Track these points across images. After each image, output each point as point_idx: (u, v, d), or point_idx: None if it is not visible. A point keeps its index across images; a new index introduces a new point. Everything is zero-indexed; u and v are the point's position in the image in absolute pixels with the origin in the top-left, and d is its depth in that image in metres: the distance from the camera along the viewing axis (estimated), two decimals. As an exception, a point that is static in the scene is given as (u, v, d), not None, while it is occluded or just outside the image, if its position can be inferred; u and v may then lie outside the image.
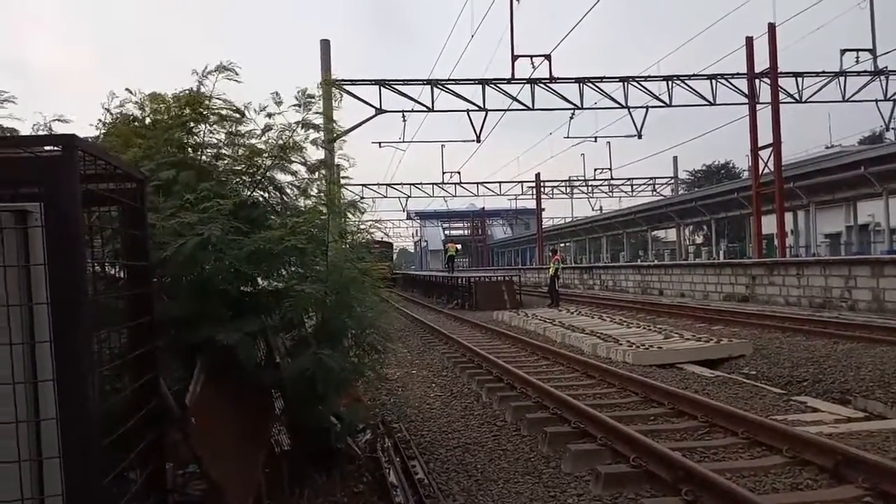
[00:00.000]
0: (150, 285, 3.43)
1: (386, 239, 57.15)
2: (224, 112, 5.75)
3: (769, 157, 26.35)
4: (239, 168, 5.93)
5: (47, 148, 2.37)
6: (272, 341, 5.51)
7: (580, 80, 27.12)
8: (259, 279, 5.49)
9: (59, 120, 5.03)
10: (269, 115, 5.85)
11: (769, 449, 6.18)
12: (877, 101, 28.27)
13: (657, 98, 27.56)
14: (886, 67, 27.34)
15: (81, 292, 2.33)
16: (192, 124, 5.72)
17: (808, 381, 9.77)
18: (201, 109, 5.65)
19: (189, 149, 5.74)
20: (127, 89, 5.93)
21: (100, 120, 5.98)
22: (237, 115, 5.75)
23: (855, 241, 36.90)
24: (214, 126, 5.78)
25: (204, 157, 5.78)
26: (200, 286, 4.79)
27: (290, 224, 5.18)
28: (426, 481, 5.74)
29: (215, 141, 5.87)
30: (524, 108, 27.16)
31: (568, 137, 34.33)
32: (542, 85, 26.85)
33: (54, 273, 2.27)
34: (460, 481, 5.94)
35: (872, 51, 26.96)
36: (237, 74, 5.57)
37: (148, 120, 5.93)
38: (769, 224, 28.27)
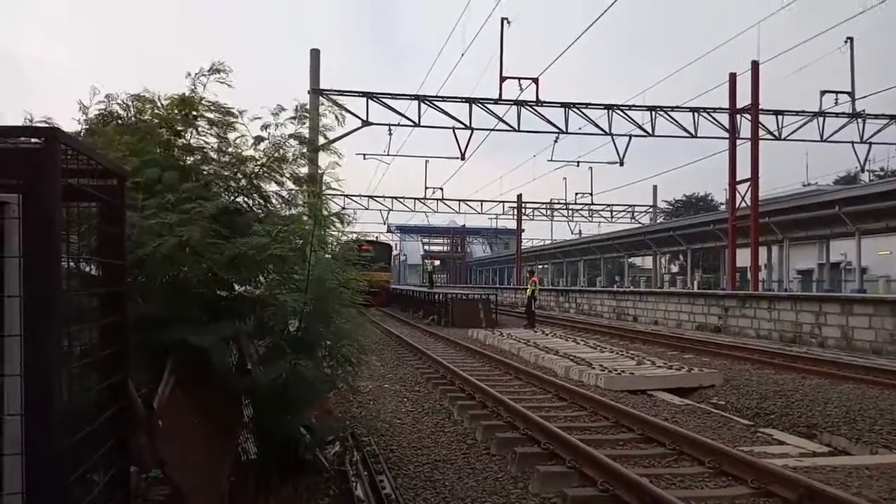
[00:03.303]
0: (124, 284, 3.39)
1: (382, 239, 55.40)
2: (213, 116, 5.73)
3: (746, 191, 26.75)
4: (226, 174, 5.91)
5: (29, 140, 2.34)
6: (245, 347, 5.47)
7: (566, 105, 27.41)
8: (236, 285, 5.45)
9: (45, 122, 4.93)
10: (265, 127, 5.87)
11: (735, 479, 6.22)
12: (853, 142, 28.91)
13: (640, 127, 27.93)
14: (864, 111, 27.98)
15: (55, 287, 2.30)
16: (180, 126, 5.69)
17: (776, 413, 9.86)
18: (192, 111, 5.62)
19: (176, 150, 5.71)
20: (107, 96, 5.86)
21: (83, 113, 5.89)
22: (227, 119, 5.74)
23: (826, 278, 37.48)
24: (203, 129, 5.76)
25: (190, 160, 5.74)
26: (176, 288, 4.75)
27: (274, 233, 5.16)
28: (393, 496, 5.70)
29: (203, 144, 5.84)
30: (510, 128, 27.35)
31: (551, 161, 34.60)
32: (528, 107, 27.08)
33: (29, 266, 2.24)
34: (427, 498, 5.90)
35: (851, 93, 27.59)
36: (228, 76, 5.57)
37: (133, 119, 5.89)
38: (744, 257, 28.65)
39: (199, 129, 5.71)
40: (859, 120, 28.06)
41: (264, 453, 5.67)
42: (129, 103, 5.91)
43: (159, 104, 5.75)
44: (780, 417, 9.67)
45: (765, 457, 7.04)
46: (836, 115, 28.06)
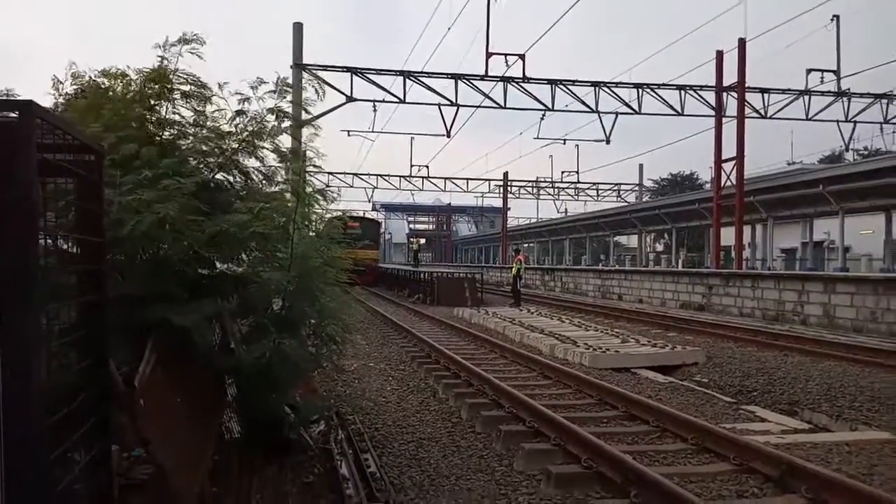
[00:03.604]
0: (103, 262, 3.33)
1: (370, 215, 54.25)
2: (188, 88, 5.60)
3: (732, 169, 26.84)
4: (205, 149, 5.81)
5: (2, 113, 2.28)
6: (228, 326, 5.43)
7: (552, 82, 27.27)
8: (218, 263, 5.39)
9: (7, 95, 4.82)
10: (246, 100, 5.75)
11: (717, 456, 6.29)
12: (838, 121, 29.02)
13: (627, 105, 27.86)
14: (849, 89, 28.08)
15: (33, 266, 2.25)
16: (153, 101, 5.56)
17: (758, 391, 9.98)
18: (165, 84, 5.50)
19: (150, 125, 5.58)
20: (73, 74, 5.71)
21: (56, 90, 5.77)
22: (203, 92, 5.62)
23: (810, 257, 37.83)
24: (178, 103, 5.64)
25: (166, 135, 5.63)
26: (156, 265, 4.69)
27: (256, 210, 5.10)
28: (378, 475, 5.71)
29: (178, 119, 5.72)
30: (496, 105, 27.19)
31: (538, 138, 34.51)
32: (514, 84, 26.91)
33: (4, 244, 2.19)
34: (413, 476, 5.92)
35: (837, 72, 27.64)
36: (201, 46, 5.43)
37: (111, 94, 5.76)
38: (728, 236, 28.83)
39: (175, 102, 5.58)
40: (844, 98, 28.17)
41: (248, 432, 5.67)
42: (101, 80, 5.78)
43: (132, 78, 5.61)
44: (762, 395, 9.78)
45: (747, 434, 7.12)
46: (822, 93, 28.13)
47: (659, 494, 5.05)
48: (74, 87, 5.83)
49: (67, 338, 2.90)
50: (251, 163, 6.03)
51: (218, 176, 5.79)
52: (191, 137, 5.79)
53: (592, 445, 6.10)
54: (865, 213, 31.82)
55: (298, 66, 22.68)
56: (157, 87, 5.50)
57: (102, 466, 3.20)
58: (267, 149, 5.99)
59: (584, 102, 27.73)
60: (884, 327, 15.95)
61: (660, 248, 61.47)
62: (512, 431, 7.03)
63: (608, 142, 29.68)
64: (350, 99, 25.79)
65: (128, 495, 3.80)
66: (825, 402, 9.00)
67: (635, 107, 27.80)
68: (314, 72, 23.84)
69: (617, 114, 28.68)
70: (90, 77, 5.79)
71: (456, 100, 26.95)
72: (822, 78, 27.81)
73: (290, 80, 6.07)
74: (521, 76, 26.60)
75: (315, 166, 6.46)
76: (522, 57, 26.24)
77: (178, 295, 4.66)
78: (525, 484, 5.76)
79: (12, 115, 2.25)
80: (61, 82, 5.72)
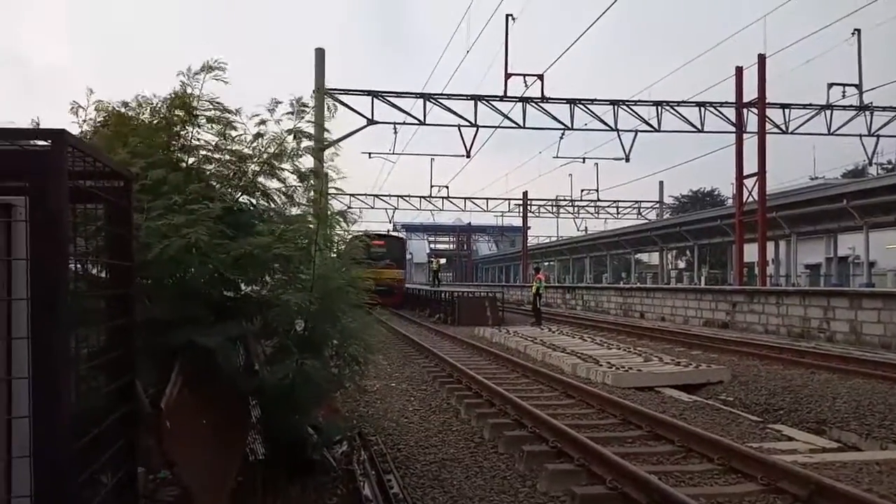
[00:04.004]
0: (131, 286, 3.39)
1: (394, 233, 52.60)
2: (213, 114, 5.70)
3: (753, 185, 26.65)
4: (227, 172, 5.90)
5: (36, 142, 2.34)
6: (252, 348, 5.47)
7: (571, 101, 27.36)
8: (242, 285, 5.45)
9: (35, 123, 4.91)
10: (262, 122, 5.83)
11: (744, 476, 6.19)
12: (861, 135, 28.77)
13: (646, 122, 27.87)
14: (871, 103, 27.87)
15: (63, 290, 2.30)
16: (178, 127, 5.67)
17: (784, 409, 9.82)
18: (190, 111, 5.60)
19: (176, 151, 5.69)
20: (96, 102, 5.81)
21: (75, 114, 5.85)
22: (226, 117, 5.71)
23: (834, 272, 37.32)
24: (203, 128, 5.73)
25: (192, 160, 5.73)
26: (183, 289, 4.75)
27: (278, 232, 5.15)
28: (401, 496, 5.70)
29: (204, 143, 5.82)
30: (515, 125, 27.33)
31: (557, 157, 34.67)
32: (533, 104, 27.04)
33: (36, 269, 2.23)
34: (436, 497, 5.89)
35: (858, 86, 27.45)
36: (224, 73, 5.53)
37: (136, 122, 5.87)
38: (751, 252, 28.56)
39: (200, 127, 5.68)
40: (867, 112, 27.94)
41: (272, 453, 5.68)
42: (122, 109, 5.89)
43: (156, 106, 5.72)
44: (788, 413, 9.63)
45: (774, 453, 7.01)
46: (844, 107, 27.95)
47: (685, 516, 4.98)
48: (101, 116, 5.94)
49: (96, 361, 2.94)
50: (273, 184, 6.10)
51: (241, 198, 5.87)
52: (215, 162, 5.89)
53: (617, 466, 6.03)
54: (890, 228, 31.36)
55: (321, 90, 22.94)
56: (182, 113, 5.61)
57: (129, 489, 3.23)
58: (287, 170, 6.06)
59: (603, 121, 27.78)
60: (913, 344, 15.65)
61: (681, 265, 60.96)
62: (535, 452, 6.98)
63: (628, 160, 29.70)
64: (371, 122, 26.07)
65: (154, 517, 3.82)
66: (854, 420, 8.84)
67: (655, 124, 27.81)
68: (336, 96, 24.14)
69: (636, 132, 28.71)
70: (113, 107, 5.91)
71: (475, 120, 27.15)
72: (843, 92, 27.66)
73: (305, 101, 6.11)
74: (540, 96, 26.74)
75: (336, 189, 6.51)
76: (541, 77, 26.40)
77: (203, 317, 4.71)
78: (549, 505, 5.71)
79: (45, 143, 2.31)
80: (82, 108, 5.81)
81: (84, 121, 5.86)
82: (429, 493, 5.97)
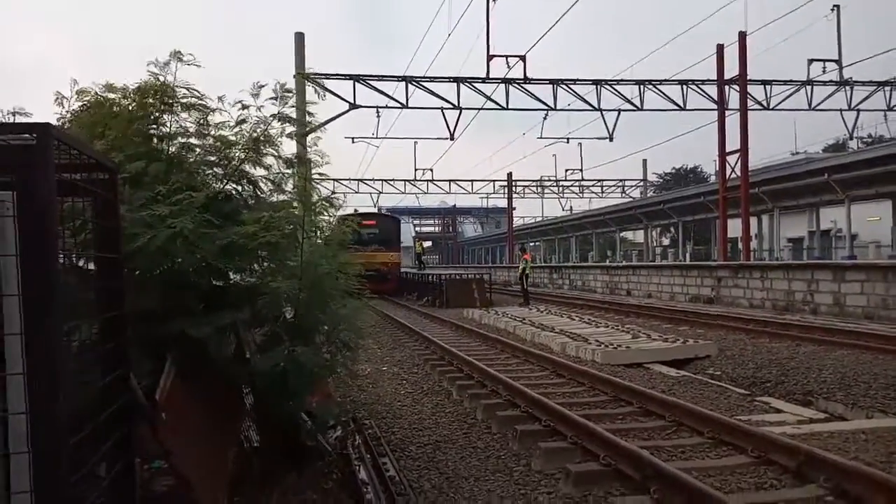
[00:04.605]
0: (121, 278, 3.37)
1: (385, 212, 49.90)
2: (190, 101, 5.61)
3: (736, 161, 26.79)
4: (211, 160, 5.84)
5: (21, 136, 2.31)
6: (243, 336, 5.46)
7: (554, 82, 27.32)
8: (231, 273, 5.43)
9: (18, 112, 4.79)
10: (245, 108, 5.77)
11: (734, 448, 6.28)
12: (841, 110, 28.97)
13: (629, 101, 27.90)
14: (851, 78, 28.01)
15: (54, 284, 2.29)
16: (157, 114, 5.57)
17: (772, 382, 9.95)
18: (167, 99, 5.51)
19: (155, 139, 5.61)
20: (78, 91, 5.71)
21: (59, 105, 5.75)
22: (205, 105, 5.64)
23: (817, 246, 37.72)
24: (182, 115, 5.65)
25: (172, 149, 5.65)
26: (172, 279, 4.72)
27: (263, 219, 5.12)
28: (397, 478, 5.73)
29: (183, 131, 5.74)
30: (498, 107, 27.27)
31: (541, 138, 34.62)
32: (516, 85, 26.98)
33: (26, 264, 2.22)
34: (431, 478, 5.93)
35: (838, 61, 27.61)
36: (195, 58, 5.44)
37: (115, 109, 5.77)
38: (735, 227, 28.77)
39: (179, 115, 5.60)
40: (847, 87, 28.10)
41: (267, 440, 5.69)
42: (104, 94, 5.77)
43: (132, 92, 5.60)
44: (775, 385, 9.75)
45: (763, 425, 7.11)
46: (824, 83, 28.09)
47: (678, 489, 5.05)
48: (80, 103, 5.83)
49: (90, 354, 2.93)
50: (258, 171, 6.05)
51: (227, 186, 5.82)
52: (197, 150, 5.82)
53: (610, 442, 6.10)
54: (872, 201, 31.73)
55: (301, 74, 22.73)
56: (158, 101, 5.50)
57: (126, 480, 3.24)
58: (272, 155, 6.00)
59: (586, 101, 27.80)
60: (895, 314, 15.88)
61: (666, 242, 61.35)
62: (528, 431, 7.03)
63: (611, 139, 29.75)
64: (353, 106, 25.90)
65: (150, 507, 3.83)
66: (839, 390, 8.97)
67: (637, 103, 27.86)
68: (317, 80, 23.93)
69: (619, 111, 28.76)
70: (95, 92, 5.80)
71: (458, 103, 27.07)
72: (824, 68, 27.82)
73: (289, 86, 6.05)
74: (523, 77, 26.67)
75: (320, 174, 6.46)
76: (523, 58, 26.32)
77: (192, 307, 4.70)
78: (544, 483, 5.77)
79: (30, 137, 2.28)
80: (66, 98, 5.70)
81: (67, 111, 5.76)
82: (424, 475, 6.02)
